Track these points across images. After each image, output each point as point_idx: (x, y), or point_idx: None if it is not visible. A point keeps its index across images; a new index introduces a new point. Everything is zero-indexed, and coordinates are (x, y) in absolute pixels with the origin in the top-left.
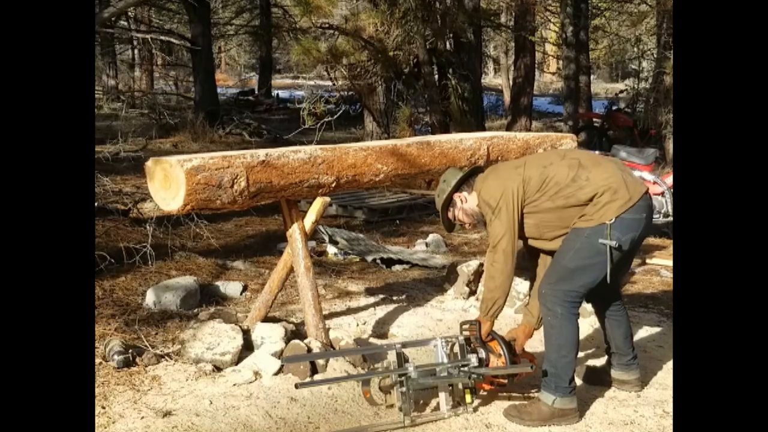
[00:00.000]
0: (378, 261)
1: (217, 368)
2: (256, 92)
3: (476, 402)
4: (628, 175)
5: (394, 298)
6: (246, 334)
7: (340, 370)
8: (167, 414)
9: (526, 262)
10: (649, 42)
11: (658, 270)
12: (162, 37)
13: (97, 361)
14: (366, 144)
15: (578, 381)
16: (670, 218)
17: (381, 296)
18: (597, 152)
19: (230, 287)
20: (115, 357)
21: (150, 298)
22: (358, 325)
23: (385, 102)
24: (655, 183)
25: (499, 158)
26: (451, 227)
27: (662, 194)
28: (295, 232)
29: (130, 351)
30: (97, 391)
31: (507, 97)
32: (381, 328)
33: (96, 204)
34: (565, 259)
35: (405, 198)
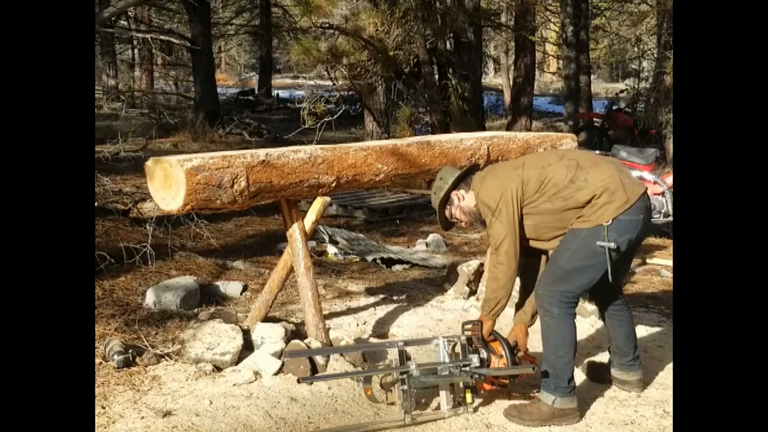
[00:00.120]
0: (378, 261)
1: (217, 368)
2: (256, 92)
3: (477, 402)
4: (626, 176)
5: (394, 298)
6: (246, 334)
7: (341, 369)
8: (167, 414)
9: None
10: (649, 42)
11: (658, 270)
12: (162, 37)
13: (97, 361)
14: (366, 144)
15: (579, 378)
16: (671, 218)
17: (381, 296)
18: (597, 152)
19: (230, 287)
20: (115, 357)
21: (150, 298)
22: (358, 325)
23: (385, 102)
24: (655, 183)
25: (500, 158)
26: (447, 225)
27: (662, 194)
28: (295, 232)
29: (130, 351)
30: (97, 391)
31: (507, 96)
32: (381, 328)
33: (96, 204)
34: (561, 260)
35: (405, 198)
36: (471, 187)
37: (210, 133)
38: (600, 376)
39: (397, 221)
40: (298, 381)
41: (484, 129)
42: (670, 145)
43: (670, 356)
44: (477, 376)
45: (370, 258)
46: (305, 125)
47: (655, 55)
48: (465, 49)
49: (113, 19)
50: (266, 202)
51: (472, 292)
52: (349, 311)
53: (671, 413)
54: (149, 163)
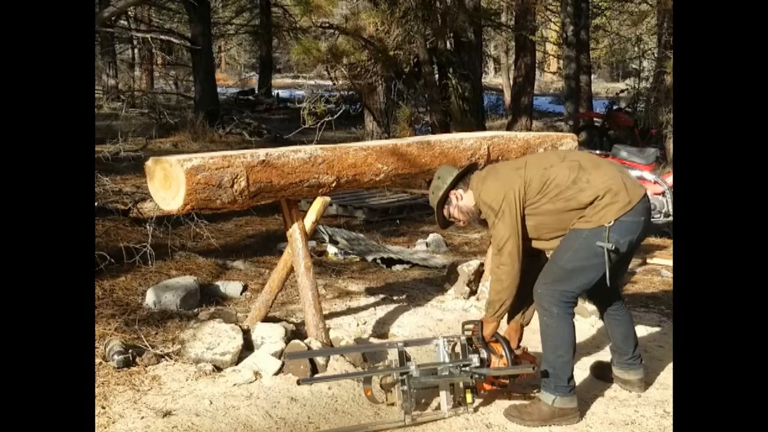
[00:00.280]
0: (378, 261)
1: (217, 368)
2: (256, 92)
3: (477, 402)
4: (627, 177)
5: (395, 298)
6: (246, 334)
7: (341, 370)
8: (167, 414)
9: None
10: (649, 41)
11: (658, 270)
12: (162, 37)
13: (97, 361)
14: (366, 144)
15: (580, 377)
16: (671, 218)
17: (381, 296)
18: (597, 152)
19: (230, 287)
20: (115, 357)
21: (150, 298)
22: (358, 325)
23: (385, 101)
24: (655, 183)
25: (500, 158)
26: (445, 224)
27: (663, 194)
28: (295, 232)
29: (130, 351)
30: (97, 391)
31: (507, 96)
32: (381, 328)
33: (96, 204)
34: (562, 260)
35: (405, 198)
36: (470, 186)
37: (210, 133)
38: (602, 375)
39: (397, 221)
40: (298, 383)
41: (484, 129)
42: (670, 145)
43: (670, 356)
44: (477, 376)
45: (370, 258)
46: (305, 125)
47: (656, 55)
48: (465, 49)
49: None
50: (266, 202)
51: (473, 292)
52: (349, 311)
53: (671, 413)
54: (149, 162)
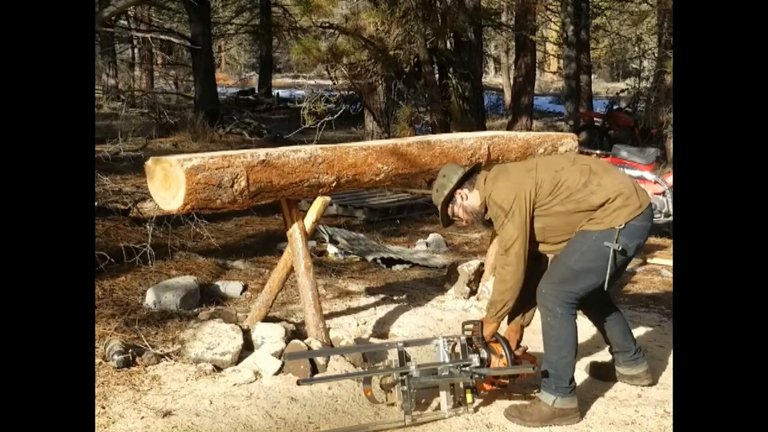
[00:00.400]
0: (378, 261)
1: (217, 368)
2: (257, 91)
3: (477, 402)
4: (636, 183)
5: (395, 297)
6: (246, 333)
7: (341, 370)
8: (167, 414)
9: None
10: (650, 41)
11: (659, 270)
12: (162, 37)
13: (97, 361)
14: (366, 143)
15: (580, 377)
16: (671, 218)
17: (381, 296)
18: (597, 152)
19: (230, 287)
20: (115, 357)
21: (150, 297)
22: (358, 325)
23: (385, 101)
24: (656, 182)
25: (500, 158)
26: (448, 223)
27: (663, 194)
28: (295, 232)
29: (130, 351)
30: (97, 391)
31: (508, 96)
32: (381, 328)
33: (96, 203)
34: (570, 261)
35: (405, 197)
36: (475, 186)
37: (210, 133)
38: (604, 375)
39: (398, 221)
40: (298, 383)
41: (484, 128)
42: (670, 145)
43: (670, 356)
44: (477, 376)
45: (370, 258)
46: (305, 125)
47: (656, 55)
48: (465, 49)
49: (113, 18)
50: (266, 201)
51: (473, 292)
52: (349, 311)
53: (671, 413)
54: (149, 162)
